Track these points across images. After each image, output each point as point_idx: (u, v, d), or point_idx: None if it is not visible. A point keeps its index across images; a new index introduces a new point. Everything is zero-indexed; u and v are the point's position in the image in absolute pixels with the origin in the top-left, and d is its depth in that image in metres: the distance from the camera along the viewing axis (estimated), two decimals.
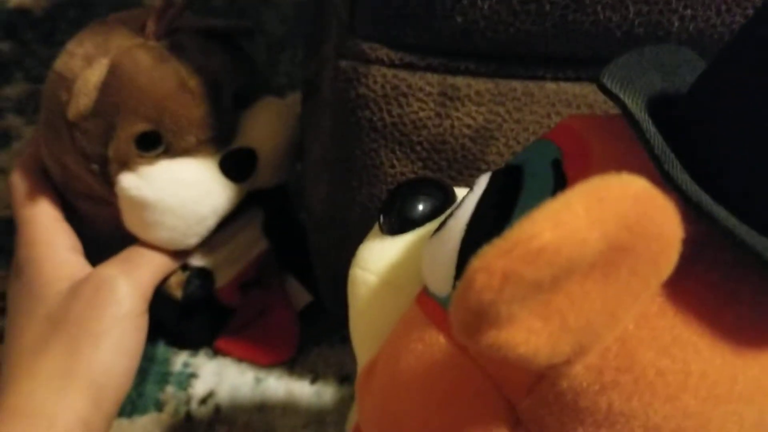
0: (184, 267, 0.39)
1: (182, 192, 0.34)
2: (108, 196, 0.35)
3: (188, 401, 0.41)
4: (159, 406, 0.41)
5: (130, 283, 0.34)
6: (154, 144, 0.35)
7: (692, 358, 0.17)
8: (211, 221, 0.36)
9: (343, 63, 0.31)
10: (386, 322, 0.24)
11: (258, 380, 0.42)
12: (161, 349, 0.44)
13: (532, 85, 0.31)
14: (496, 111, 0.31)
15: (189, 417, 0.41)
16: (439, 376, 0.21)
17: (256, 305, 0.44)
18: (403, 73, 0.30)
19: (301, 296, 0.45)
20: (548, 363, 0.16)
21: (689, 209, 0.16)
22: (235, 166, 0.36)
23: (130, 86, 0.33)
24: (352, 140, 0.33)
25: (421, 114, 0.31)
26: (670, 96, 0.21)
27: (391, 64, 0.30)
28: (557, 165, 0.20)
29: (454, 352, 0.21)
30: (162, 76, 0.34)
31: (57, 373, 0.31)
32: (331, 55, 0.32)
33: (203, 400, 0.42)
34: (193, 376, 0.43)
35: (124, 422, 0.40)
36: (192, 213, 0.35)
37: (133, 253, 0.36)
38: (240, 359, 0.43)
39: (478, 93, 0.31)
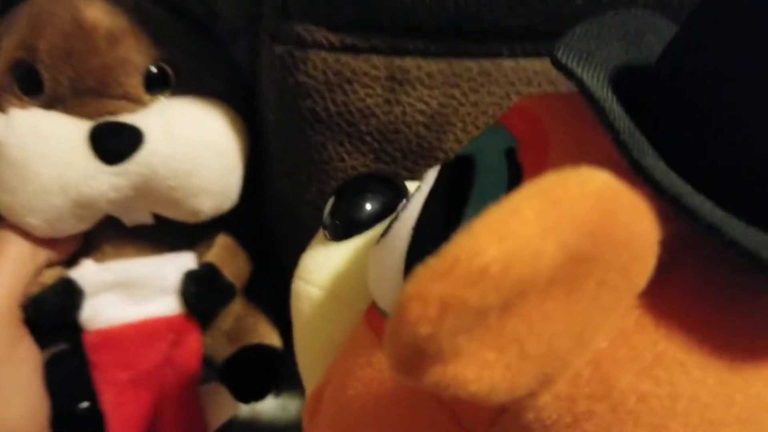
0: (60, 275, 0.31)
1: (32, 145, 0.28)
2: None
3: None
4: None
5: None
6: (36, 89, 0.30)
7: (680, 379, 0.14)
8: (58, 199, 0.28)
9: (279, 48, 0.28)
10: (333, 341, 0.21)
11: None
12: None
13: (488, 64, 0.28)
14: (451, 94, 0.28)
15: None
16: (390, 407, 0.18)
17: (146, 416, 0.32)
18: (345, 57, 0.27)
19: (225, 407, 0.34)
20: (508, 398, 0.14)
21: (666, 204, 0.14)
22: (106, 139, 0.28)
23: (28, 8, 0.30)
24: (296, 133, 0.30)
25: (369, 101, 0.28)
26: (636, 68, 0.18)
27: (331, 48, 0.27)
28: (511, 155, 0.18)
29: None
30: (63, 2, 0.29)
31: None
32: (265, 40, 0.29)
33: None
34: None
35: None
36: (35, 176, 0.28)
37: None
38: None
39: (429, 75, 0.28)
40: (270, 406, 0.39)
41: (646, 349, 0.14)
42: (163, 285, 0.32)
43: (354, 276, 0.22)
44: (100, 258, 0.32)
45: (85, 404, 0.30)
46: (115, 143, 0.29)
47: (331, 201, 0.24)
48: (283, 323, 0.33)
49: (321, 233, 0.24)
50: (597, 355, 0.14)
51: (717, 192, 0.15)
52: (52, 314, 0.30)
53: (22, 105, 0.30)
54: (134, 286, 0.31)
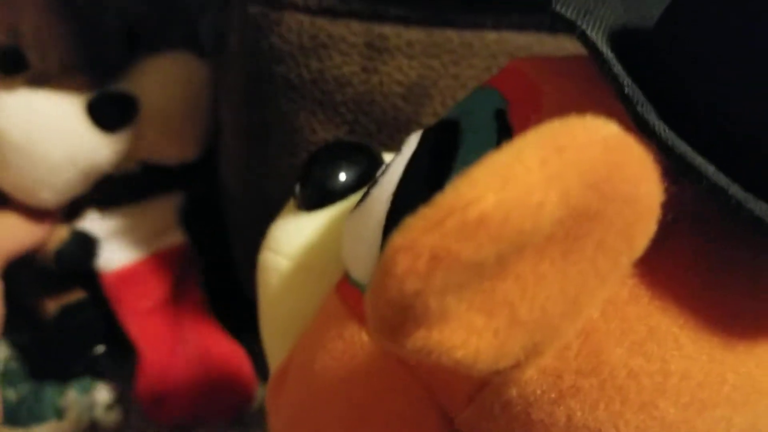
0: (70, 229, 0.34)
1: (32, 126, 0.29)
2: None
3: (92, 407, 0.36)
4: (59, 413, 0.36)
5: None
6: (19, 67, 0.30)
7: (672, 355, 0.14)
8: (68, 173, 0.30)
9: (252, 8, 0.26)
10: (301, 315, 0.20)
11: None
12: (48, 367, 0.38)
13: (470, 35, 0.27)
14: (430, 65, 0.27)
15: (94, 425, 0.36)
16: (361, 382, 0.17)
17: (173, 338, 0.36)
18: (321, 21, 0.26)
19: None
20: (494, 368, 0.13)
21: (667, 165, 0.13)
22: (105, 111, 0.30)
23: None
24: (267, 101, 0.28)
25: (345, 69, 0.27)
26: (634, 30, 0.17)
27: (308, 10, 0.26)
28: (501, 116, 0.17)
29: (377, 353, 0.17)
30: None
31: None
32: (237, 0, 0.27)
33: (110, 406, 0.37)
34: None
35: None
36: (42, 156, 0.29)
37: None
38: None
39: (409, 44, 0.26)
40: None
41: (639, 322, 0.13)
42: (162, 222, 0.35)
43: (325, 247, 0.21)
44: (102, 208, 0.34)
45: (101, 348, 0.35)
46: (114, 113, 0.31)
47: (303, 169, 0.22)
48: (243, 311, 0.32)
49: (292, 203, 0.22)
50: (588, 325, 0.13)
51: (715, 161, 0.14)
52: (74, 264, 0.33)
53: (7, 86, 0.29)
54: (138, 228, 0.35)
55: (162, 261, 0.35)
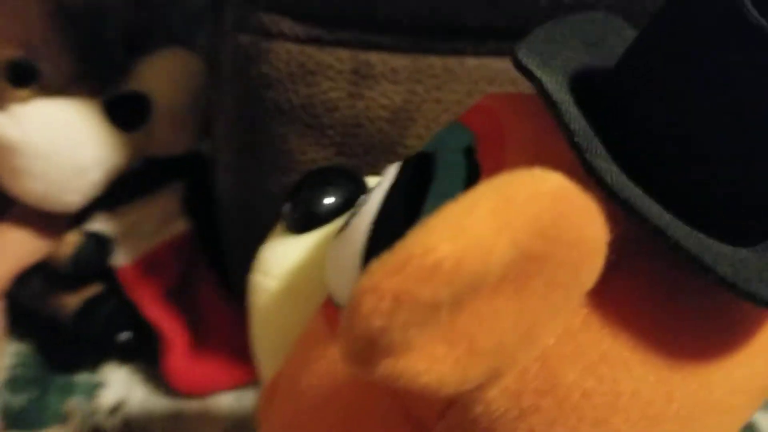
0: (80, 232, 0.35)
1: (56, 135, 0.30)
2: None
3: (95, 413, 0.38)
4: (62, 419, 0.38)
5: None
6: (29, 79, 0.31)
7: (622, 376, 0.15)
8: (94, 175, 0.32)
9: (243, 38, 0.28)
10: (289, 333, 0.21)
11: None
12: (63, 358, 0.40)
13: (452, 61, 0.28)
14: (414, 90, 0.28)
15: (96, 429, 0.37)
16: (342, 398, 0.18)
17: (192, 317, 0.38)
18: (310, 49, 0.27)
19: None
20: (457, 391, 0.14)
21: (616, 206, 0.14)
22: (122, 111, 0.32)
23: None
24: (257, 124, 0.29)
25: (332, 94, 0.28)
26: (595, 71, 0.18)
27: (297, 39, 0.27)
28: (470, 153, 0.18)
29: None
30: None
31: None
32: (229, 29, 0.29)
33: (112, 411, 0.38)
34: (100, 385, 0.39)
35: None
36: (69, 161, 0.30)
37: None
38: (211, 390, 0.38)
39: (393, 70, 0.28)
40: (225, 399, 0.39)
41: (591, 347, 0.15)
42: (168, 212, 0.37)
43: (311, 269, 0.22)
44: (109, 208, 0.35)
45: (125, 335, 0.37)
46: (130, 112, 0.32)
47: (291, 192, 0.24)
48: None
49: (280, 225, 0.24)
50: (544, 351, 0.15)
51: (664, 196, 0.15)
52: (92, 266, 0.34)
53: (20, 98, 0.30)
54: (146, 220, 0.36)
55: (172, 248, 0.37)
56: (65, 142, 0.30)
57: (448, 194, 0.17)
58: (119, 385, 0.39)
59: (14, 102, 0.30)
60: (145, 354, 0.40)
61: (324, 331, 0.20)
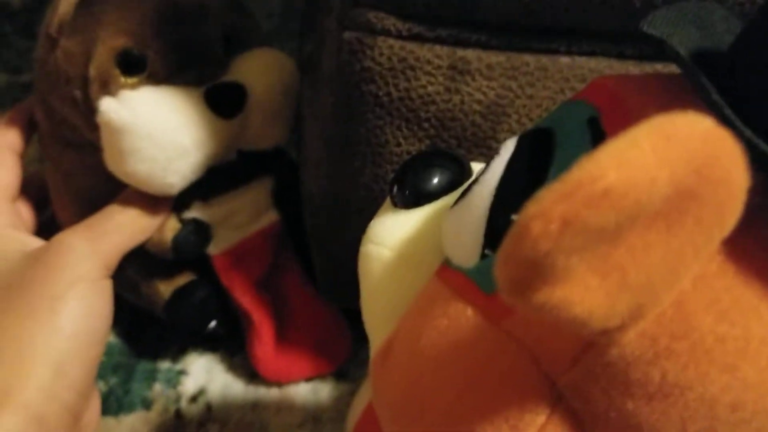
0: (179, 220, 0.37)
1: (162, 117, 0.32)
2: (92, 136, 0.34)
3: (178, 399, 0.39)
4: (147, 405, 0.39)
5: (90, 248, 0.31)
6: (138, 68, 0.33)
7: (753, 323, 0.16)
8: (194, 158, 0.33)
9: (347, 34, 0.29)
10: (402, 298, 0.23)
11: (251, 377, 0.40)
12: (148, 345, 0.41)
13: (545, 59, 0.29)
14: (508, 86, 0.30)
15: (179, 415, 0.39)
16: (467, 352, 0.19)
17: (277, 306, 0.40)
18: (411, 45, 0.29)
19: None
20: (602, 326, 0.15)
21: (751, 159, 0.15)
22: (221, 99, 0.34)
23: None
24: (356, 117, 0.31)
25: (430, 88, 0.30)
26: (709, 52, 0.19)
27: (399, 35, 0.29)
28: (594, 123, 0.19)
29: (483, 325, 0.19)
30: None
31: (11, 344, 0.28)
32: (333, 27, 0.31)
33: (193, 398, 0.39)
34: (182, 373, 0.40)
35: (110, 421, 0.38)
36: (172, 142, 0.32)
37: (101, 218, 0.33)
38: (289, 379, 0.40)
39: (489, 67, 0.29)
40: (301, 391, 0.40)
41: (725, 293, 0.16)
42: (259, 204, 0.39)
43: (423, 239, 0.23)
44: (205, 198, 0.37)
45: (213, 323, 0.39)
46: (228, 101, 0.34)
47: (400, 172, 0.25)
48: None
49: (388, 203, 0.25)
50: (681, 295, 0.16)
51: None
52: (192, 251, 0.37)
53: (131, 86, 0.33)
54: (239, 212, 0.38)
55: (263, 238, 0.39)
56: (169, 125, 0.32)
57: (575, 157, 0.18)
58: (200, 373, 0.41)
59: (124, 89, 0.33)
60: (225, 343, 0.42)
61: (444, 292, 0.21)
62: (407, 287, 0.23)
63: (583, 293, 0.14)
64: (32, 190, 0.38)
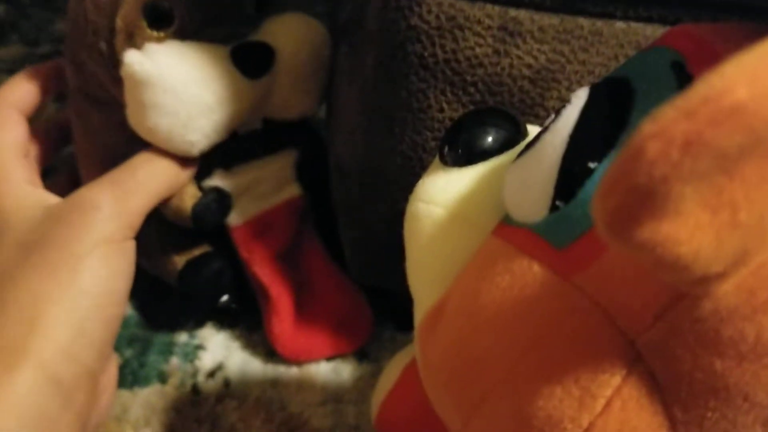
0: (199, 189, 0.35)
1: (186, 71, 0.31)
2: (116, 92, 0.32)
3: (195, 374, 0.38)
4: (163, 378, 0.38)
5: (117, 209, 0.30)
6: (166, 22, 0.32)
7: None
8: (217, 115, 0.32)
9: None
10: (455, 259, 0.21)
11: (270, 355, 0.39)
12: (165, 317, 0.40)
13: (600, 23, 0.28)
14: (560, 50, 0.28)
15: (196, 390, 0.37)
16: (533, 309, 0.18)
17: (297, 282, 0.39)
18: (460, 3, 0.28)
19: None
20: (704, 272, 0.14)
21: None
22: (247, 58, 0.33)
23: None
24: (398, 79, 0.30)
25: (478, 50, 0.28)
26: None
27: None
28: (679, 67, 0.18)
29: (552, 281, 0.18)
30: None
31: (30, 302, 0.27)
32: None
33: (211, 374, 0.38)
34: (200, 347, 0.39)
35: (125, 394, 0.37)
36: (195, 97, 0.31)
37: (124, 173, 0.32)
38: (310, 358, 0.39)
39: (541, 29, 0.28)
40: (321, 370, 0.38)
41: None
42: (282, 176, 0.38)
43: (478, 198, 0.22)
44: (227, 167, 0.36)
45: (225, 298, 0.38)
46: (255, 60, 0.33)
47: (452, 130, 0.24)
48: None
49: (437, 162, 0.24)
50: None
51: None
52: (212, 219, 0.35)
53: (157, 40, 0.32)
54: (261, 183, 0.37)
55: (285, 211, 0.38)
56: (193, 80, 0.31)
57: (659, 101, 0.17)
58: (218, 349, 0.39)
59: (150, 41, 0.32)
60: (244, 319, 0.40)
61: (505, 249, 0.19)
62: (461, 248, 0.21)
63: (692, 230, 0.13)
64: (53, 128, 0.37)
